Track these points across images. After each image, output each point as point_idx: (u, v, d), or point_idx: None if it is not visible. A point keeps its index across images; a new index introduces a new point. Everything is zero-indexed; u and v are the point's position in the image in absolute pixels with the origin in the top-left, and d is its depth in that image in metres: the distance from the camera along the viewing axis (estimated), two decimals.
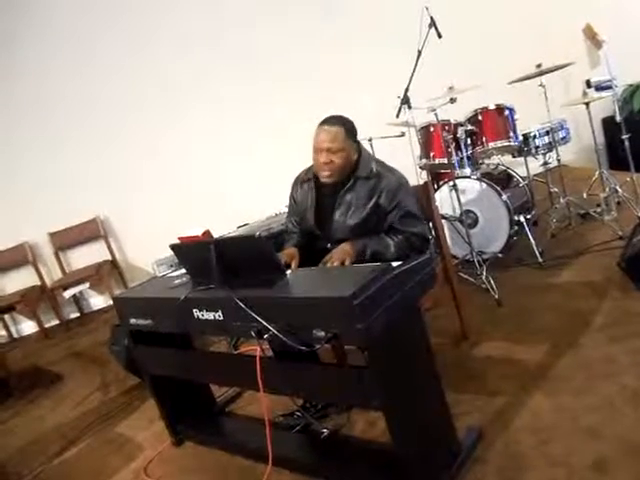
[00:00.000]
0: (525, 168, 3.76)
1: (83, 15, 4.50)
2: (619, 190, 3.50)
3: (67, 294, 4.51)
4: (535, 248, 3.14)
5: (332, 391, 1.63)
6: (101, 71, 4.56)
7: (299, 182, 2.29)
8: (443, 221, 3.17)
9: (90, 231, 4.77)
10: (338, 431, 1.98)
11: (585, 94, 3.50)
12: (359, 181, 2.09)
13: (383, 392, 1.45)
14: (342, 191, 2.11)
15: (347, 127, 2.06)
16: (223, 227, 3.21)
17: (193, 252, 1.93)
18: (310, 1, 4.60)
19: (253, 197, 4.13)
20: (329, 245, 2.14)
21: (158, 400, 2.32)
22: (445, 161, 3.38)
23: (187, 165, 4.66)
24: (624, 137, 3.47)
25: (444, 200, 3.24)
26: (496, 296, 2.80)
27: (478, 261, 3.02)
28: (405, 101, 3.10)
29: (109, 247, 4.81)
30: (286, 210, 2.44)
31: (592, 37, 4.01)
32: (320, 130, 2.05)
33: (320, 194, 2.18)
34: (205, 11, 4.55)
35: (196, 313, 1.82)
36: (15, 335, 4.89)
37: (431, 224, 2.56)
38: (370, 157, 2.18)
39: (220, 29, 4.57)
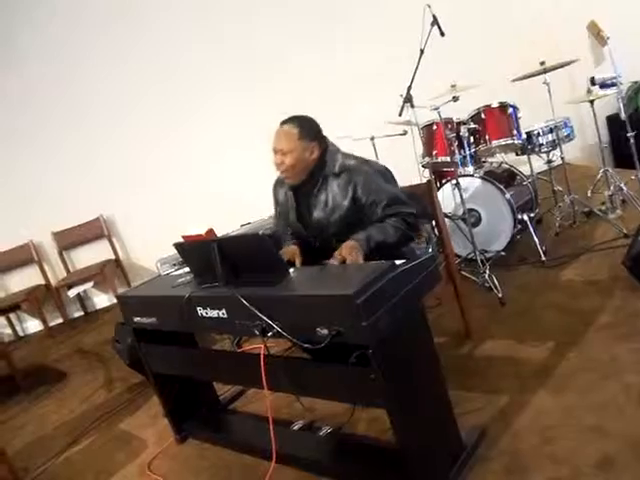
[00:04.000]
0: (529, 166, 3.75)
1: (82, 15, 4.50)
2: (624, 188, 3.48)
3: (71, 293, 4.53)
4: (539, 247, 3.13)
5: (336, 389, 1.63)
6: (102, 70, 4.56)
7: (278, 183, 2.29)
8: (446, 220, 3.18)
9: (94, 230, 4.79)
10: (341, 428, 1.98)
11: (589, 91, 3.47)
12: (330, 178, 2.08)
13: (386, 390, 1.45)
14: (315, 191, 2.10)
15: (302, 127, 2.04)
16: (226, 226, 3.21)
17: (197, 251, 1.93)
18: (312, 1, 4.59)
19: (256, 195, 4.12)
20: (317, 244, 2.14)
21: (162, 397, 2.33)
22: (448, 159, 3.38)
23: (190, 164, 4.66)
24: (629, 135, 3.45)
25: (447, 199, 3.24)
26: (499, 295, 2.80)
27: (481, 260, 3.01)
28: (408, 99, 3.09)
29: (112, 246, 4.82)
30: None
31: (596, 34, 3.98)
32: (277, 130, 2.07)
33: (297, 195, 2.17)
34: (206, 9, 4.55)
35: (200, 311, 1.83)
36: (21, 333, 4.91)
37: (434, 223, 2.56)
38: (338, 152, 2.13)
39: (220, 27, 4.56)
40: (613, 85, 3.48)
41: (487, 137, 3.40)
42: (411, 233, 2.09)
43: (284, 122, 2.07)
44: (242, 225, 3.51)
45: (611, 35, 3.86)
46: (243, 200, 4.22)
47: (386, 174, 2.11)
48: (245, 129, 4.41)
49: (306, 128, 2.07)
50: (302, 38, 4.52)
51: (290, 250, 2.15)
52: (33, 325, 4.89)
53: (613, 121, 4.91)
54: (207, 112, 4.57)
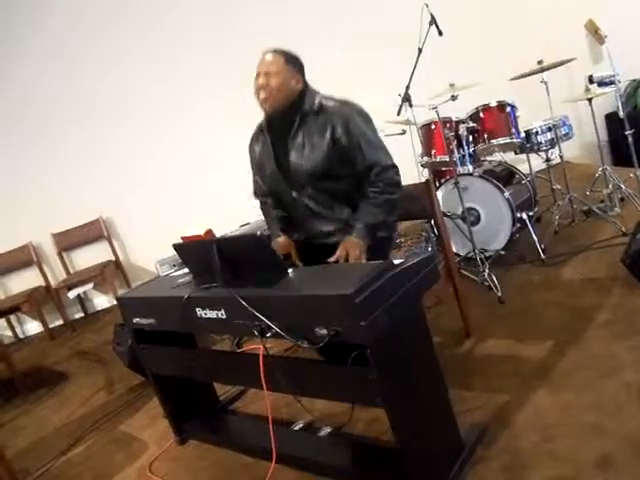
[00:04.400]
0: (527, 165, 3.75)
1: (81, 17, 4.50)
2: (622, 186, 3.48)
3: (71, 294, 4.54)
4: (538, 245, 3.13)
5: (335, 389, 1.63)
6: (102, 71, 4.57)
7: (253, 140, 2.23)
8: (445, 219, 3.19)
9: (93, 232, 4.79)
10: (341, 429, 1.98)
11: (587, 90, 3.48)
12: (308, 118, 2.01)
13: (386, 389, 1.45)
14: (292, 132, 2.02)
15: (288, 54, 2.04)
16: (225, 226, 3.21)
17: (195, 251, 1.93)
18: (310, 0, 4.59)
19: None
20: (294, 194, 2.06)
21: (162, 399, 2.33)
22: (447, 159, 3.38)
23: (189, 164, 4.66)
24: (627, 133, 3.46)
25: (446, 198, 3.24)
26: (499, 293, 2.80)
27: (480, 259, 3.01)
28: (406, 99, 3.10)
29: (112, 247, 4.83)
30: None
31: (594, 32, 3.99)
32: (261, 58, 2.03)
33: (275, 141, 2.09)
34: (208, 9, 4.55)
35: (199, 312, 1.83)
36: (20, 335, 4.91)
37: (433, 222, 2.57)
38: (318, 93, 2.09)
39: (220, 29, 4.57)
40: (611, 83, 3.48)
41: (486, 136, 3.40)
42: (397, 195, 2.02)
43: (269, 50, 2.04)
44: (241, 225, 3.51)
45: (609, 33, 3.87)
46: (242, 201, 4.22)
47: (366, 116, 2.05)
48: (244, 129, 4.40)
49: (292, 57, 2.05)
50: (300, 38, 4.47)
51: (281, 243, 2.12)
52: (33, 327, 4.89)
53: (612, 119, 4.91)
54: (206, 113, 4.58)
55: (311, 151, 1.99)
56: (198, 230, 2.03)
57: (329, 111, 2.01)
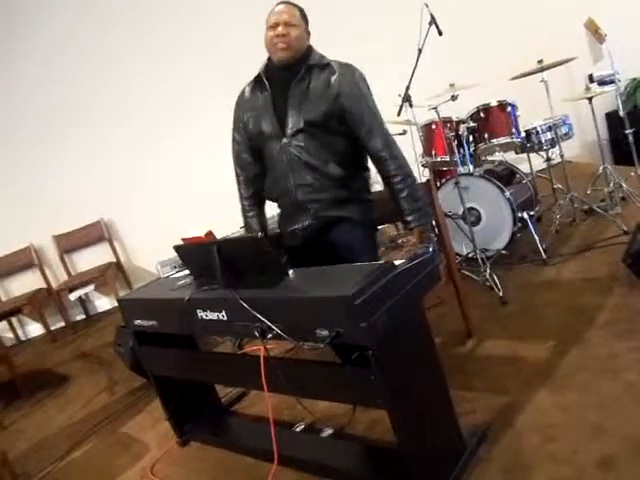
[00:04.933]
0: (528, 164, 3.75)
1: (81, 19, 4.51)
2: (623, 185, 3.48)
3: (73, 296, 4.54)
4: (539, 245, 3.13)
5: (336, 390, 1.63)
6: (102, 73, 4.58)
7: (244, 94, 2.14)
8: (446, 219, 3.18)
9: (94, 233, 4.80)
10: (342, 430, 1.98)
11: (588, 89, 3.48)
12: (313, 70, 1.99)
13: (387, 391, 1.45)
14: (295, 81, 1.97)
15: (302, 10, 2.03)
16: (227, 227, 3.21)
17: (196, 253, 1.93)
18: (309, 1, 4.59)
19: None
20: (285, 140, 1.98)
21: (163, 400, 2.33)
22: (447, 158, 3.38)
23: (190, 165, 4.67)
24: (627, 132, 3.45)
25: (447, 197, 3.23)
26: (500, 294, 2.79)
27: (482, 258, 3.01)
28: (406, 99, 3.09)
29: (113, 249, 4.83)
30: None
31: (594, 31, 3.98)
32: (276, 9, 1.99)
33: (275, 89, 2.02)
34: (205, 13, 4.55)
35: (200, 314, 1.83)
36: (22, 337, 4.92)
37: (434, 222, 2.56)
38: (321, 53, 2.07)
39: (218, 31, 4.57)
40: (611, 82, 3.48)
41: (486, 136, 3.40)
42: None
43: (283, 2, 2.00)
44: (242, 227, 3.50)
45: (609, 32, 3.86)
46: None
47: (366, 81, 2.07)
48: None
49: (304, 12, 2.04)
50: None
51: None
52: (35, 329, 4.89)
53: (612, 118, 4.92)
54: (207, 113, 4.56)
55: (312, 101, 1.96)
56: (199, 231, 2.01)
57: (334, 68, 2.00)
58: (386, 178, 2.03)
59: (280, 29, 1.94)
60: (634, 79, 5.04)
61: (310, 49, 2.04)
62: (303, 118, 1.96)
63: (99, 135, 4.64)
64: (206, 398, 2.45)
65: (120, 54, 4.55)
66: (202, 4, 4.59)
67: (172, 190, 4.67)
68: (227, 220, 3.31)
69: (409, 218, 2.01)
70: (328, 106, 1.95)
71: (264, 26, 2.01)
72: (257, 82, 2.09)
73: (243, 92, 2.16)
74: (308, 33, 2.05)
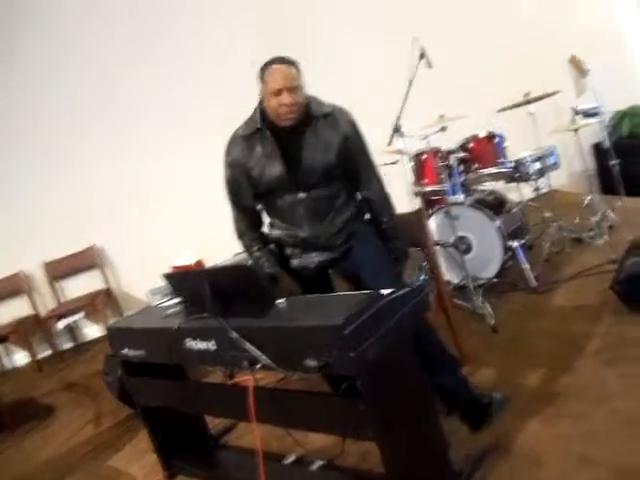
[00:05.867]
0: (518, 193, 3.80)
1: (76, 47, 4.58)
2: (610, 214, 3.53)
3: (61, 324, 4.48)
4: (529, 273, 3.15)
5: (326, 421, 1.61)
6: (93, 101, 4.61)
7: (239, 144, 2.04)
8: (438, 247, 3.20)
9: (86, 260, 4.77)
10: (332, 462, 1.94)
11: (573, 121, 3.57)
12: (319, 120, 1.99)
13: (376, 422, 1.44)
14: (306, 132, 1.97)
15: (297, 64, 1.96)
16: (219, 254, 3.21)
17: (186, 281, 1.93)
18: (297, 30, 4.68)
19: None
20: (301, 195, 1.99)
21: (151, 432, 2.28)
22: (438, 188, 3.42)
23: (183, 192, 4.67)
24: (612, 163, 3.52)
25: (438, 226, 3.27)
26: (492, 322, 2.79)
27: (473, 287, 3.02)
28: (397, 129, 3.15)
29: (105, 276, 4.80)
30: None
31: (578, 66, 4.12)
32: (275, 70, 1.90)
33: (280, 141, 1.98)
34: (180, 48, 4.64)
35: (189, 343, 1.82)
36: (8, 366, 4.82)
37: (424, 250, 2.58)
38: (315, 97, 2.06)
39: (212, 57, 4.65)
40: (596, 115, 3.57)
41: (476, 166, 3.46)
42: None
43: (279, 60, 1.92)
44: (236, 254, 3.50)
45: (592, 67, 3.98)
46: None
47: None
48: None
49: (299, 67, 1.97)
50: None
51: (289, 285, 2.07)
52: (21, 357, 4.81)
53: (599, 149, 5.01)
54: (198, 138, 4.59)
55: (325, 152, 1.98)
56: (188, 260, 2.02)
57: (335, 113, 2.03)
58: (374, 217, 2.13)
59: (286, 97, 1.88)
60: (619, 111, 5.17)
61: (308, 99, 2.00)
62: (320, 169, 1.98)
63: (90, 161, 4.64)
64: (195, 429, 2.41)
65: (111, 79, 4.58)
66: (189, 33, 4.65)
67: (165, 216, 4.66)
68: (220, 247, 3.32)
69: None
70: (339, 151, 1.99)
71: (259, 80, 1.95)
72: (254, 133, 2.01)
73: (236, 139, 2.07)
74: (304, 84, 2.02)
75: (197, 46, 4.65)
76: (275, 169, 1.99)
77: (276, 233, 2.15)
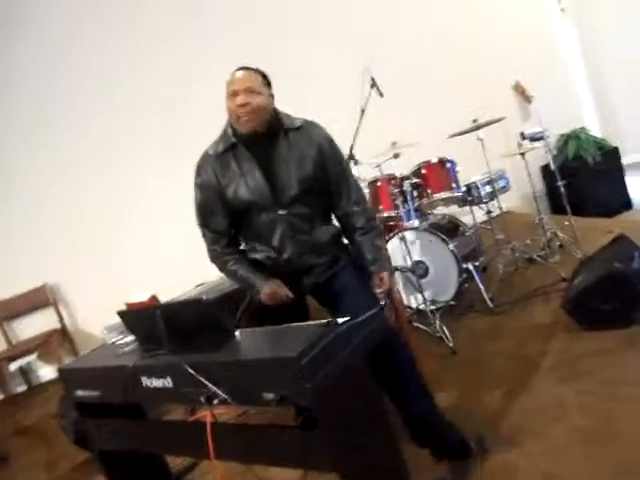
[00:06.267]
0: (471, 217, 3.91)
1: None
2: (559, 234, 3.68)
3: (13, 366, 4.28)
4: (485, 294, 3.23)
5: (285, 454, 1.58)
6: (45, 134, 4.52)
7: (209, 163, 1.99)
8: (396, 273, 3.25)
9: (38, 298, 4.59)
10: None
11: (520, 145, 3.73)
12: (290, 133, 1.97)
13: (335, 452, 1.43)
14: (279, 145, 1.95)
15: (263, 73, 1.96)
16: (180, 287, 3.16)
17: (140, 318, 1.89)
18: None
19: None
20: (281, 212, 1.95)
21: (108, 477, 2.19)
22: (393, 214, 3.49)
23: (137, 225, 4.59)
24: (559, 184, 3.68)
25: (395, 251, 3.32)
26: (450, 344, 2.84)
27: (431, 310, 3.07)
28: (352, 157, 3.22)
29: (59, 314, 4.63)
30: None
31: (522, 93, 4.34)
32: (235, 74, 1.91)
33: (254, 155, 1.96)
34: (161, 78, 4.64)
35: (145, 381, 1.77)
36: None
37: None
38: (287, 113, 2.06)
39: (178, 91, 4.65)
40: (541, 139, 3.74)
41: (429, 191, 3.55)
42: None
43: (242, 68, 1.93)
44: (197, 285, 3.46)
45: (536, 93, 4.19)
46: (195, 261, 4.18)
47: None
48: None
49: (265, 76, 1.96)
50: None
51: (277, 288, 1.98)
52: None
53: (547, 171, 5.23)
54: (155, 173, 4.56)
55: (300, 165, 1.95)
56: (142, 296, 1.98)
57: (309, 127, 2.02)
58: (356, 229, 2.06)
59: (242, 98, 1.87)
60: (563, 134, 5.43)
61: (277, 112, 2.00)
62: (297, 183, 1.94)
63: (42, 197, 4.52)
64: (155, 470, 2.32)
65: (65, 117, 4.53)
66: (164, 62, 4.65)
67: (121, 251, 4.56)
68: (181, 279, 3.27)
69: (375, 266, 2.04)
70: (314, 164, 1.97)
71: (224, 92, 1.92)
72: (227, 150, 1.98)
73: (204, 166, 2.02)
74: (272, 96, 1.99)
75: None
76: (253, 183, 1.94)
77: (257, 257, 2.06)
